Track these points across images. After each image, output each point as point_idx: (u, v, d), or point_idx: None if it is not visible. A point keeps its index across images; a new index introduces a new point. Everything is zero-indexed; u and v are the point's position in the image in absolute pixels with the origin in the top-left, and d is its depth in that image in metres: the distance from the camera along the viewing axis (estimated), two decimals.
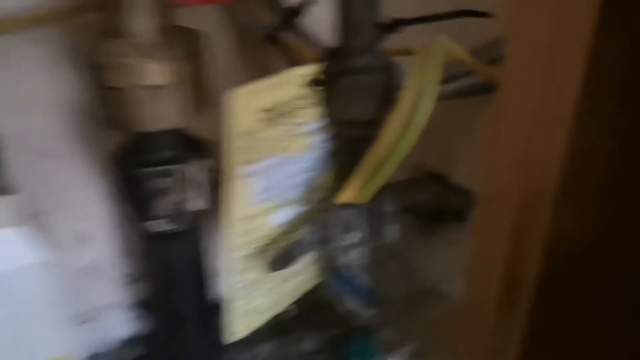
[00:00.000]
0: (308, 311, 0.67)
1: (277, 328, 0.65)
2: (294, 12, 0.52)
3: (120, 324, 0.66)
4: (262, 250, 0.48)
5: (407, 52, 0.44)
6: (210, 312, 0.53)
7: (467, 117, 0.58)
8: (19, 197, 0.38)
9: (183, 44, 0.41)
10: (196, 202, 0.45)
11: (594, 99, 0.37)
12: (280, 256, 0.49)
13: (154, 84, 0.38)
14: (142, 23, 0.39)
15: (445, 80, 0.45)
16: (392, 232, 0.53)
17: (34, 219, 0.39)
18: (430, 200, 0.63)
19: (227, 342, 0.51)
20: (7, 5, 0.46)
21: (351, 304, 0.53)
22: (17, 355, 0.36)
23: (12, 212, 0.36)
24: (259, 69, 0.57)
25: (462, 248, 0.62)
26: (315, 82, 0.43)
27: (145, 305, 0.64)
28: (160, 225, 0.44)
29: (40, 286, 0.35)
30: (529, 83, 0.39)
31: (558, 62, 0.37)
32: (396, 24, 0.41)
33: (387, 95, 0.43)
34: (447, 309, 0.66)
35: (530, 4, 0.37)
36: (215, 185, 0.47)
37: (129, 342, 0.66)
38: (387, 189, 0.53)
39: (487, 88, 0.47)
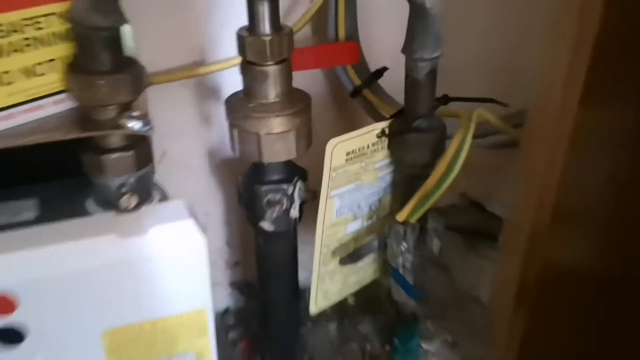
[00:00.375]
0: (366, 300, 0.84)
1: (341, 312, 0.83)
2: (375, 76, 0.69)
3: (221, 298, 0.85)
4: (338, 249, 0.66)
5: (454, 115, 0.61)
6: (297, 292, 0.71)
7: (500, 163, 0.74)
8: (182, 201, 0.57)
9: (296, 102, 0.59)
10: (294, 212, 0.63)
11: (581, 163, 0.53)
12: (350, 255, 0.67)
13: (277, 132, 0.57)
14: (272, 90, 0.57)
15: (482, 135, 0.62)
16: (435, 244, 0.70)
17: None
18: (469, 223, 0.79)
19: (307, 317, 0.69)
20: (170, 63, 0.66)
21: (400, 296, 0.70)
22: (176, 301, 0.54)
23: (180, 210, 0.54)
24: (346, 119, 0.75)
25: (493, 262, 0.78)
26: (386, 134, 0.61)
27: (243, 285, 0.83)
28: (270, 226, 0.62)
29: (198, 259, 0.53)
30: (541, 145, 0.55)
31: (560, 134, 0.53)
32: (446, 100, 0.59)
33: (437, 147, 0.60)
34: (477, 309, 0.83)
35: (544, 92, 0.53)
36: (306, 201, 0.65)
37: (226, 313, 0.85)
38: (436, 212, 0.71)
39: (513, 144, 0.64)
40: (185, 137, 0.71)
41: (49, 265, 0.48)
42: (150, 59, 0.60)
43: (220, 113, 0.64)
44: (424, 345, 0.80)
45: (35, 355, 0.49)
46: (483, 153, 0.67)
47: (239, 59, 0.58)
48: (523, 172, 0.58)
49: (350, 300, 0.85)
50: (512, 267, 0.61)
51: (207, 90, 0.69)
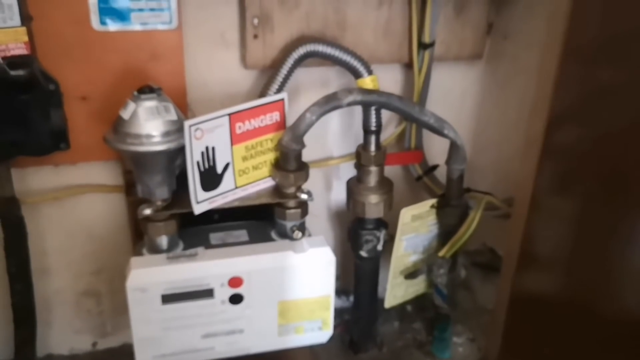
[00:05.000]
0: (418, 308, 1.31)
1: (402, 315, 1.30)
2: (431, 168, 1.17)
3: None
4: (403, 270, 1.14)
5: (473, 198, 1.08)
6: (376, 296, 1.18)
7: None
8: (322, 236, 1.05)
9: (385, 185, 1.07)
10: (379, 247, 1.11)
11: (540, 229, 0.99)
12: (410, 274, 1.15)
13: (373, 202, 1.05)
14: (372, 180, 1.05)
15: (491, 209, 1.09)
16: (462, 272, 1.16)
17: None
18: (486, 260, 1.26)
19: (380, 314, 1.17)
20: (314, 157, 1.16)
21: (439, 302, 1.17)
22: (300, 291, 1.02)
23: (322, 241, 1.02)
24: (413, 194, 1.23)
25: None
26: (435, 207, 1.08)
27: (341, 291, 1.31)
28: (365, 254, 1.10)
29: (329, 269, 1.01)
30: (519, 216, 1.01)
31: (529, 211, 0.99)
32: (468, 190, 1.06)
33: (463, 215, 1.07)
34: (488, 317, 1.28)
35: (520, 190, 1.00)
36: (386, 241, 1.13)
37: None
38: (464, 252, 1.17)
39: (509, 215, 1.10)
40: (317, 198, 1.19)
41: (257, 263, 0.97)
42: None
43: (337, 186, 1.13)
44: (455, 339, 1.25)
45: (247, 310, 0.98)
46: (495, 220, 1.14)
47: (352, 156, 1.07)
48: (511, 231, 1.03)
49: (409, 308, 1.31)
50: (505, 289, 1.07)
51: (331, 171, 1.19)
